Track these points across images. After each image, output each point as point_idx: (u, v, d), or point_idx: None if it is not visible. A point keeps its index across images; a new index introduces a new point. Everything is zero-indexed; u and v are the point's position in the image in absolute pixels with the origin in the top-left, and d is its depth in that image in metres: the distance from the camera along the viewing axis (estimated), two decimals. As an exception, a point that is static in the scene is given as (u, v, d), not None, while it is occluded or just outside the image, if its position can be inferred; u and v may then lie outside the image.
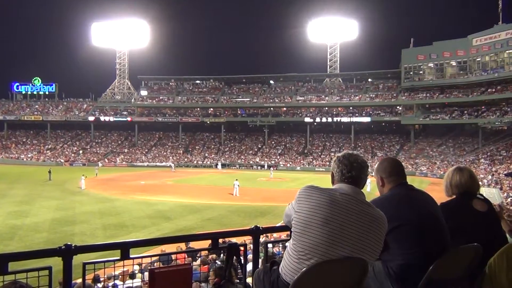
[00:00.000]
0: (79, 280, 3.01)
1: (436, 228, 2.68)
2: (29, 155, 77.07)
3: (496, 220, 3.23)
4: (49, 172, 47.17)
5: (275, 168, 63.99)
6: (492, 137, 63.18)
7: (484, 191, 35.41)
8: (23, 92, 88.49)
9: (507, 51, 61.38)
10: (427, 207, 2.75)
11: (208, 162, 73.42)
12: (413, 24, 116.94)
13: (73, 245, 2.51)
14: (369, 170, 2.50)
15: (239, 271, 3.51)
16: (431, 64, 71.23)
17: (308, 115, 77.88)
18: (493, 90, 63.51)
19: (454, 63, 69.54)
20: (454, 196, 3.26)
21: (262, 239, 3.88)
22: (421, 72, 72.63)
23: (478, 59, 65.91)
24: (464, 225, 3.00)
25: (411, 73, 72.60)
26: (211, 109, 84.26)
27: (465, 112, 66.34)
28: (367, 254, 2.21)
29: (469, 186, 3.24)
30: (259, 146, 79.09)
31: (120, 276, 7.30)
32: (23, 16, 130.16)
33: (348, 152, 2.49)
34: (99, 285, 6.49)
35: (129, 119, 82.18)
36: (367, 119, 74.45)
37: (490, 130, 65.18)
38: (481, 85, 65.60)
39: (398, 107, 74.31)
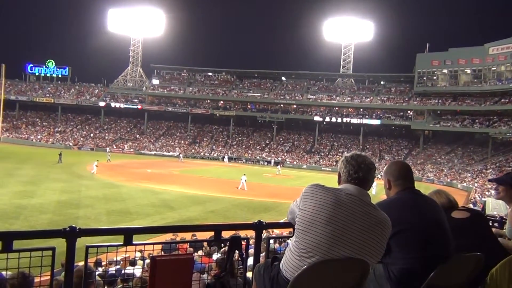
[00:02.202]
0: (81, 263, 3.04)
1: (439, 234, 2.67)
2: (38, 137, 77.78)
3: (479, 225, 3.21)
4: (60, 154, 47.47)
5: (282, 165, 63.92)
6: (502, 148, 62.53)
7: (491, 201, 35.11)
8: (36, 74, 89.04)
9: (524, 62, 60.69)
10: (432, 213, 2.74)
11: (215, 155, 73.55)
12: (429, 29, 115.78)
13: (77, 228, 2.54)
14: (376, 172, 2.49)
15: (240, 266, 3.52)
16: (445, 71, 70.57)
17: (318, 114, 77.61)
18: (507, 100, 62.74)
19: (468, 71, 68.82)
20: None
21: (264, 234, 3.88)
22: (434, 77, 71.98)
23: (493, 68, 65.16)
24: None
25: (425, 78, 71.95)
26: (222, 102, 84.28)
27: (477, 121, 65.70)
28: (368, 256, 2.21)
29: (445, 204, 3.27)
30: (267, 142, 79.06)
31: (122, 262, 7.36)
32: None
33: (356, 153, 2.47)
34: (100, 269, 6.55)
35: (139, 107, 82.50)
36: (377, 122, 73.94)
37: (500, 141, 64.48)
38: (495, 94, 64.92)
39: (409, 111, 73.80)
